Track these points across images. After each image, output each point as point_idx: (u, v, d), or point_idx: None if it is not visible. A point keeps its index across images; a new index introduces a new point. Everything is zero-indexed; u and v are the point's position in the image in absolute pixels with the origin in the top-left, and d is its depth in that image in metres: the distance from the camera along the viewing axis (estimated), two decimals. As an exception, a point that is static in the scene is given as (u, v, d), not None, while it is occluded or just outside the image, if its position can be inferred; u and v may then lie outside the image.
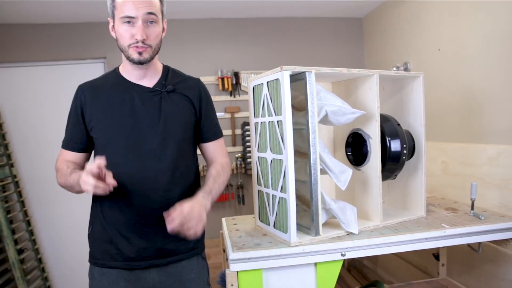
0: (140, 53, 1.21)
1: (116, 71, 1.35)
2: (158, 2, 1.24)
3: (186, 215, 1.09)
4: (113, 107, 1.27)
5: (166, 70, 1.39)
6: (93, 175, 1.06)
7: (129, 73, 1.31)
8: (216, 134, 1.44)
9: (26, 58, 3.09)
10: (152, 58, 1.26)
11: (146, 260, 1.28)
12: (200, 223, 1.13)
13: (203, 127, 1.40)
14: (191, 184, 1.37)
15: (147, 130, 1.27)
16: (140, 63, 1.24)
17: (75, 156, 1.34)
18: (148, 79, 1.32)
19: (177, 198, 1.27)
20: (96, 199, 1.32)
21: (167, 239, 1.28)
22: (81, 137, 1.32)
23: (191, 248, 1.36)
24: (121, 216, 1.26)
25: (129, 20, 1.18)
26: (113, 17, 1.23)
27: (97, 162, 1.08)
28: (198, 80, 1.43)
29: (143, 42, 1.20)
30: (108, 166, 1.25)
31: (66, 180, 1.24)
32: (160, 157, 1.27)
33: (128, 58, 1.24)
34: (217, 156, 1.43)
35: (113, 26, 1.25)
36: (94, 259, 1.31)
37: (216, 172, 1.35)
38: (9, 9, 2.72)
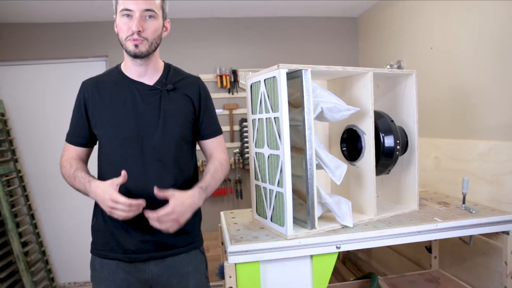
0: (136, 46, 1.23)
1: (118, 68, 1.37)
2: (159, 1, 1.27)
3: (175, 212, 1.15)
4: (115, 104, 1.29)
5: (168, 68, 1.40)
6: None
7: (130, 70, 1.33)
8: (215, 131, 1.45)
9: (30, 56, 3.12)
10: (148, 52, 1.26)
11: (146, 253, 1.30)
12: (177, 223, 1.17)
13: (202, 124, 1.41)
14: (190, 180, 1.39)
15: (147, 128, 1.29)
16: (135, 56, 1.25)
17: (78, 150, 1.37)
18: (149, 76, 1.33)
19: None
20: None
21: (166, 233, 1.31)
22: (83, 132, 1.35)
23: (190, 242, 1.38)
24: None
25: (128, 13, 1.21)
26: (115, 11, 1.27)
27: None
28: (198, 78, 1.44)
29: (139, 34, 1.21)
30: (109, 162, 1.28)
31: (73, 183, 1.28)
32: (160, 154, 1.29)
33: (126, 51, 1.27)
34: (216, 153, 1.44)
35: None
36: (96, 250, 1.34)
37: (214, 168, 1.37)
38: (13, 8, 2.75)
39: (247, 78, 1.54)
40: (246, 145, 3.32)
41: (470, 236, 1.63)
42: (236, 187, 3.38)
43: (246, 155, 3.32)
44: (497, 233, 1.55)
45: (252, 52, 3.39)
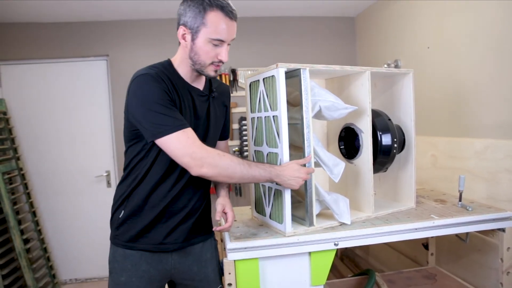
0: (216, 71, 1.29)
1: (173, 68, 1.31)
2: None
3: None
4: (183, 104, 1.28)
5: None
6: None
7: (189, 75, 1.32)
8: (228, 134, 1.58)
9: (31, 56, 3.13)
10: None
11: (174, 244, 1.33)
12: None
13: (224, 127, 1.51)
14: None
15: (200, 132, 1.33)
16: (210, 77, 1.33)
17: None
18: (199, 82, 1.37)
19: (204, 191, 1.41)
20: (138, 186, 1.31)
21: (194, 224, 1.37)
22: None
23: (207, 231, 1.45)
24: (161, 203, 1.30)
25: (219, 43, 1.23)
26: (196, 30, 1.21)
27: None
28: (228, 87, 1.54)
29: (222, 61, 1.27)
30: (164, 162, 1.28)
31: (247, 170, 1.21)
32: None
33: (202, 71, 1.28)
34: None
35: (189, 36, 1.23)
36: (120, 241, 1.33)
37: None
38: (14, 8, 2.75)
39: (246, 77, 1.56)
40: (245, 143, 3.33)
41: (467, 233, 1.65)
42: (235, 185, 3.39)
43: (245, 153, 3.33)
44: (493, 230, 1.57)
45: (251, 52, 3.40)
